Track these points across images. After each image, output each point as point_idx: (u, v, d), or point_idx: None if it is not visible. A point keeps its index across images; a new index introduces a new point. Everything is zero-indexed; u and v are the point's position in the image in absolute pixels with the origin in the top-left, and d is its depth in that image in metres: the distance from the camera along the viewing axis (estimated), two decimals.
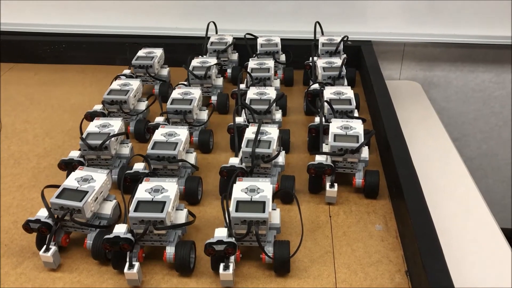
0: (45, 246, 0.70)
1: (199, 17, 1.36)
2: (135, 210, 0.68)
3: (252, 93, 0.99)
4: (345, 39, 1.22)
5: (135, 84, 1.03)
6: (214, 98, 1.11)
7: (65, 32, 1.40)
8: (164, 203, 0.69)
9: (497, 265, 0.78)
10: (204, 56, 1.18)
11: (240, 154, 0.83)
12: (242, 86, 1.07)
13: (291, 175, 0.85)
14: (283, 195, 0.84)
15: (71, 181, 0.74)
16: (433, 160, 1.03)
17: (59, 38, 1.38)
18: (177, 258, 0.69)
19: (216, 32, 1.32)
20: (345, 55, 1.24)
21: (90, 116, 0.98)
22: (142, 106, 1.04)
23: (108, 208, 0.76)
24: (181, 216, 0.73)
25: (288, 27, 1.36)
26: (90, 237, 0.72)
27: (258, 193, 0.71)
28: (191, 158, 0.87)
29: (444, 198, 0.91)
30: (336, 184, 0.83)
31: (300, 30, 1.34)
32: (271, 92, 0.99)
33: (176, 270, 0.70)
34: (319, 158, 0.84)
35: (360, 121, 0.88)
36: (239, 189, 0.71)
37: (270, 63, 1.12)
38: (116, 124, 0.89)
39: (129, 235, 0.67)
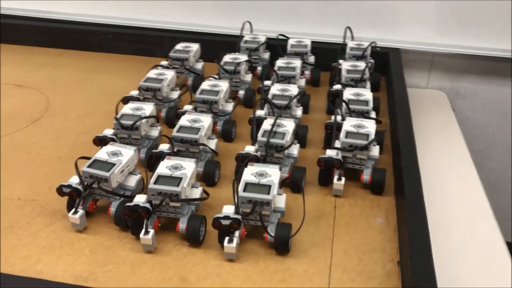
0: (73, 209, 0.79)
1: (235, 16, 1.43)
2: (155, 183, 0.76)
3: (275, 89, 1.05)
4: (373, 45, 1.27)
5: (170, 74, 1.12)
6: (241, 92, 1.18)
7: (112, 23, 1.51)
8: (180, 179, 0.77)
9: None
10: (236, 53, 1.26)
11: (257, 143, 0.90)
12: (268, 82, 1.14)
13: (302, 167, 0.91)
14: (293, 184, 0.90)
15: (102, 154, 0.83)
16: (444, 168, 1.06)
17: (107, 29, 1.49)
18: (188, 230, 0.76)
19: (251, 31, 1.39)
20: (372, 61, 1.29)
21: (126, 100, 1.07)
22: (175, 95, 1.13)
23: (132, 181, 0.84)
24: (196, 193, 0.81)
25: (319, 31, 1.42)
26: (114, 205, 0.81)
27: (266, 177, 0.77)
28: (212, 144, 0.95)
29: (449, 203, 0.95)
30: (343, 178, 0.88)
31: (331, 34, 1.40)
32: (293, 90, 1.05)
33: (187, 241, 0.77)
34: (330, 153, 0.90)
35: (373, 121, 0.93)
36: (249, 173, 0.78)
37: (297, 63, 1.18)
38: (148, 108, 0.97)
39: (147, 205, 0.75)
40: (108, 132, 0.95)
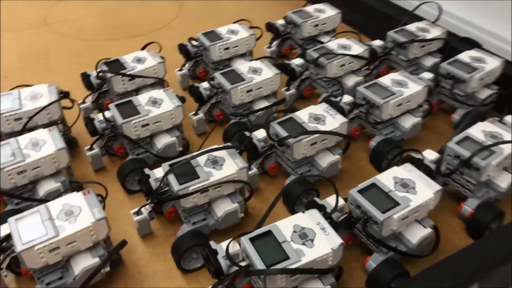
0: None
1: None
2: None
3: (307, 112, 0.67)
4: None
5: (242, 33, 0.85)
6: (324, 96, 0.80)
7: None
8: None
9: None
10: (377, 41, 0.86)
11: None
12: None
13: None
14: None
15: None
16: None
17: None
18: None
19: (436, 19, 0.90)
20: None
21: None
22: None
23: None
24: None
25: None
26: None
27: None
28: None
29: None
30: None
31: None
32: (329, 123, 0.65)
33: None
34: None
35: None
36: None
37: (411, 88, 0.71)
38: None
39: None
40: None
